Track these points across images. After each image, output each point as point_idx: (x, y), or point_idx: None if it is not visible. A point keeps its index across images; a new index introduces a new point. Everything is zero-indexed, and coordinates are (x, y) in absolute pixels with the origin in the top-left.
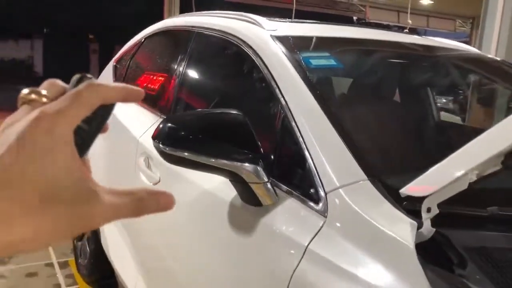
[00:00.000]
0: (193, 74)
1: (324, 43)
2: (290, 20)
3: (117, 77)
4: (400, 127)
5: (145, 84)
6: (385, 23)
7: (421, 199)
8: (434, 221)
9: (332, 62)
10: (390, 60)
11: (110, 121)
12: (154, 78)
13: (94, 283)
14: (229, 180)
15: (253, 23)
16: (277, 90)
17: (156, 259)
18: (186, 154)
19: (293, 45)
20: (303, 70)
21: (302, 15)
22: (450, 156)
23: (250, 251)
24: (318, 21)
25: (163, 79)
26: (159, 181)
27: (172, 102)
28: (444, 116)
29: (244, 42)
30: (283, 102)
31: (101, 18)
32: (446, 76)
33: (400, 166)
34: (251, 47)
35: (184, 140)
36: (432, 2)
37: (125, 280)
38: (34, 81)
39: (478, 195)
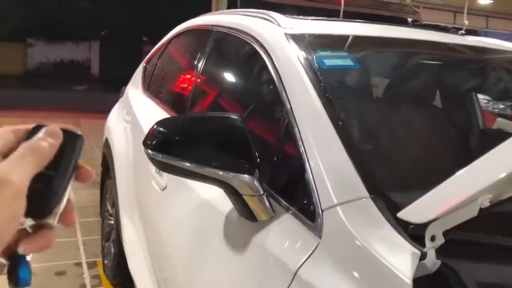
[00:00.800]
0: (209, 74)
1: (344, 42)
2: (314, 17)
3: (145, 77)
4: (423, 138)
5: (167, 84)
6: (442, 24)
7: (425, 225)
8: (446, 251)
9: (349, 62)
10: (419, 61)
11: (132, 122)
12: (176, 78)
13: (117, 286)
14: (224, 191)
15: (269, 20)
16: (283, 93)
17: (166, 268)
18: (175, 161)
19: (308, 43)
20: (314, 71)
21: (353, 17)
22: (457, 173)
23: (243, 269)
24: (348, 19)
25: (182, 79)
26: (166, 187)
27: (188, 103)
28: (501, 122)
29: (257, 40)
30: (288, 106)
31: (154, 20)
32: (492, 80)
33: (417, 182)
34: (262, 46)
35: (174, 146)
36: (492, 1)
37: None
38: (91, 81)
39: (499, 221)
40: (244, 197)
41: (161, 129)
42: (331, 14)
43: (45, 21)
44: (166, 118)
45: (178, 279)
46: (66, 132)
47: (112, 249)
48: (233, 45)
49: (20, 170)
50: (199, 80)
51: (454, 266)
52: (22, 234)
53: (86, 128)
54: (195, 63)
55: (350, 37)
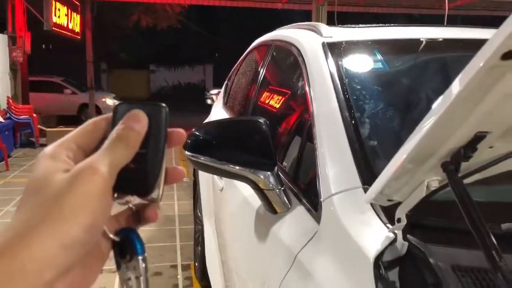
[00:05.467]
0: (264, 84)
1: (380, 46)
2: (367, 25)
3: (225, 93)
4: None
5: (237, 98)
6: None
7: (395, 209)
8: (416, 235)
9: (379, 66)
10: (453, 64)
11: None
12: (243, 92)
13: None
14: (250, 187)
15: (314, 31)
16: (310, 97)
17: (229, 261)
18: (205, 160)
19: (343, 50)
20: (339, 76)
21: (464, 21)
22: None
23: (261, 258)
24: (403, 24)
25: (247, 92)
26: (222, 188)
27: (249, 114)
28: None
29: (298, 50)
30: (311, 109)
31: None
32: None
33: None
34: (301, 55)
35: (205, 147)
36: None
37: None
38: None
39: (490, 209)
40: (264, 191)
41: (196, 132)
42: (438, 19)
43: (164, 49)
44: (203, 123)
45: (233, 272)
46: (150, 106)
47: (199, 252)
48: (282, 56)
49: (108, 163)
50: (257, 91)
51: (422, 248)
52: (129, 212)
53: None
54: (257, 75)
55: (387, 41)
